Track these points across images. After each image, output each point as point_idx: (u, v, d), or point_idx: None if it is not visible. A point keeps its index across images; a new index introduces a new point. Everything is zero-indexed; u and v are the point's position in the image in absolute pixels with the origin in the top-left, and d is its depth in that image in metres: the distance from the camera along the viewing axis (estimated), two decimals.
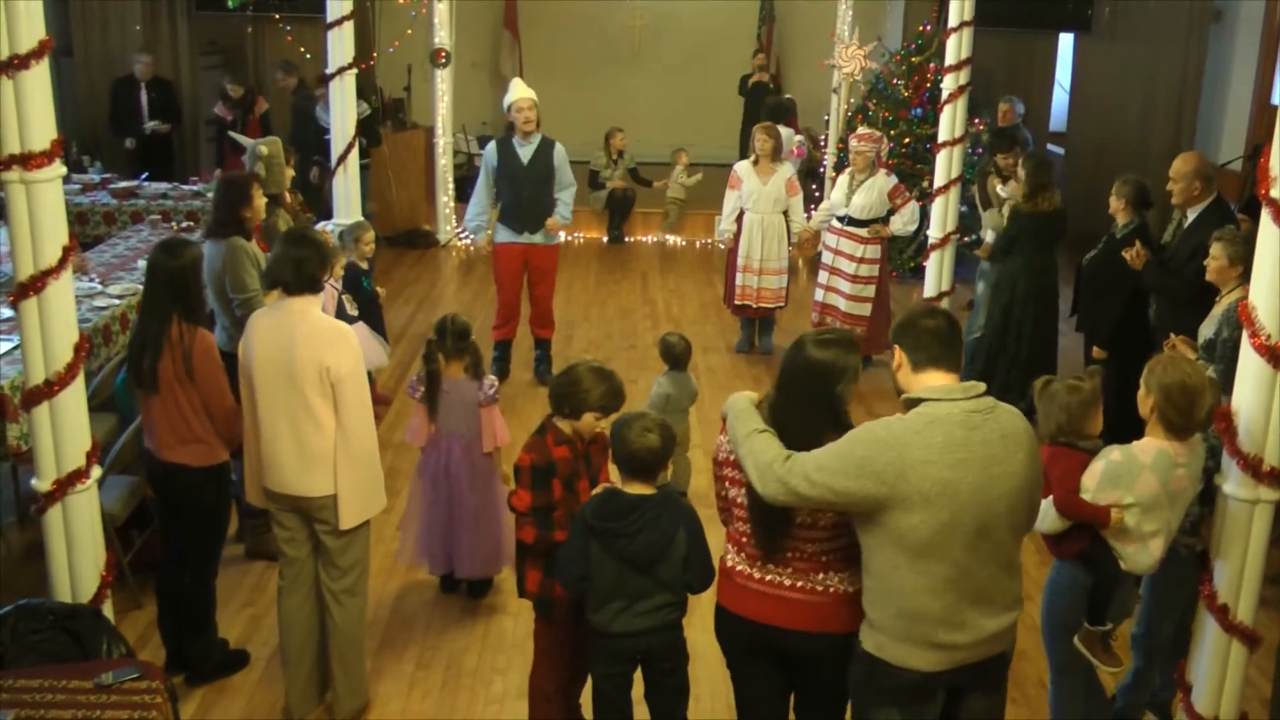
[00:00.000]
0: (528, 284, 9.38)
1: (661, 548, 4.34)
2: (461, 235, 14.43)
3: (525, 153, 9.00)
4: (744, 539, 4.10)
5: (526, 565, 4.88)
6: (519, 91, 9.03)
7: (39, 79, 4.24)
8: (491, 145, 9.21)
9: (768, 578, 4.06)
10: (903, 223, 9.68)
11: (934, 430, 3.69)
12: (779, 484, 3.75)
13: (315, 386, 4.91)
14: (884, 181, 9.66)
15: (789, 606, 4.05)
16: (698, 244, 14.65)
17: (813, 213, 10.62)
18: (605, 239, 14.67)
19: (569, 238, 13.99)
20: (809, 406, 3.97)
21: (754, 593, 4.09)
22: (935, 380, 3.83)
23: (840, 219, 9.79)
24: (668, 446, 4.40)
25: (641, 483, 4.40)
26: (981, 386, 3.84)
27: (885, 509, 3.68)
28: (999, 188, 9.20)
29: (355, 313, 7.59)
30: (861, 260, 9.69)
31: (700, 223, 14.67)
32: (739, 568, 4.13)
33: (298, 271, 4.99)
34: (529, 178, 9.00)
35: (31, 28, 4.18)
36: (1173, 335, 6.17)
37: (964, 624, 3.78)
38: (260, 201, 6.61)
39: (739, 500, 4.08)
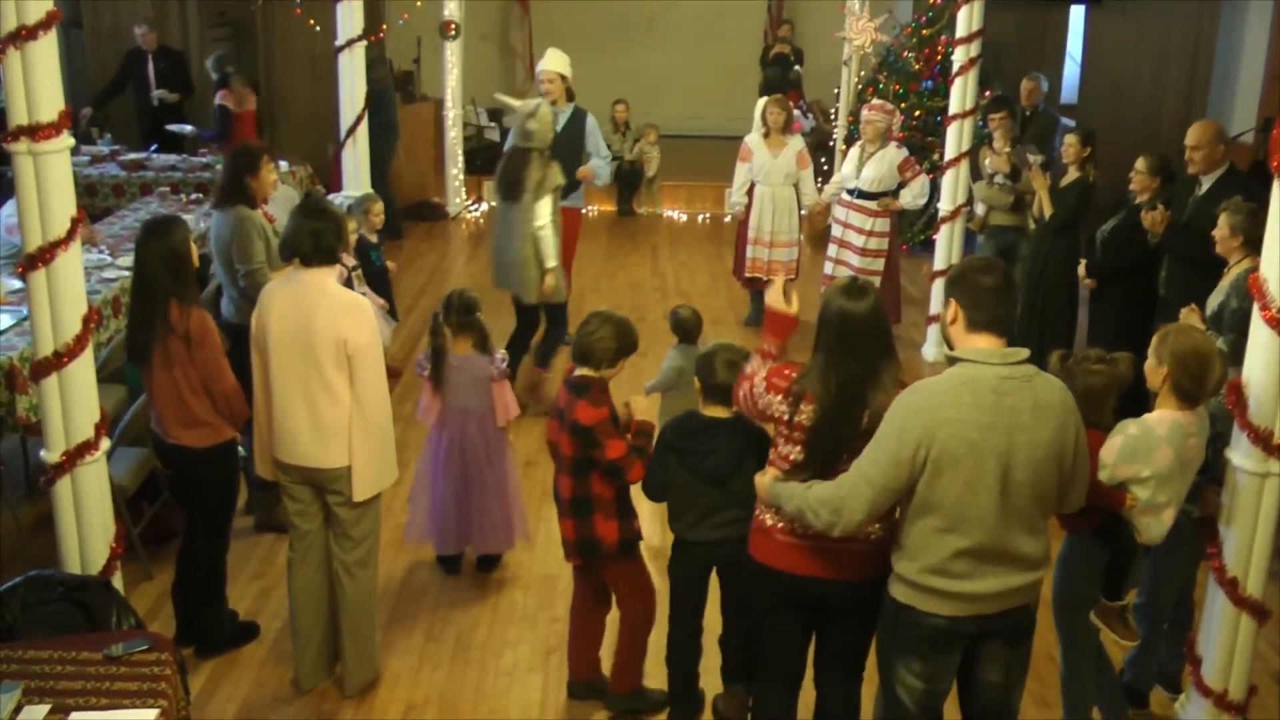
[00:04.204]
0: None
1: (732, 467, 4.71)
2: (471, 208, 14.42)
3: (559, 121, 9.00)
4: None
5: (595, 521, 4.95)
6: (547, 61, 9.08)
7: (47, 50, 4.24)
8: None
9: (810, 531, 4.10)
10: (912, 196, 9.63)
11: (964, 391, 3.74)
12: (847, 505, 3.86)
13: (332, 358, 4.92)
14: (894, 154, 9.61)
15: (833, 558, 4.15)
16: (707, 217, 14.60)
17: (823, 187, 10.58)
18: (616, 211, 14.64)
19: None
20: (866, 362, 4.05)
21: (795, 548, 4.19)
22: (984, 343, 3.85)
23: (850, 191, 9.76)
24: None
25: (719, 406, 4.78)
26: (1024, 353, 3.83)
27: (922, 472, 3.77)
28: (1030, 156, 9.01)
29: (365, 290, 7.57)
30: (870, 233, 9.66)
31: (710, 195, 14.62)
32: (780, 525, 4.21)
33: (316, 243, 4.99)
34: (561, 143, 9.00)
35: None
36: (1194, 306, 6.09)
37: (984, 581, 3.84)
38: (269, 175, 6.55)
39: (789, 456, 4.16)
